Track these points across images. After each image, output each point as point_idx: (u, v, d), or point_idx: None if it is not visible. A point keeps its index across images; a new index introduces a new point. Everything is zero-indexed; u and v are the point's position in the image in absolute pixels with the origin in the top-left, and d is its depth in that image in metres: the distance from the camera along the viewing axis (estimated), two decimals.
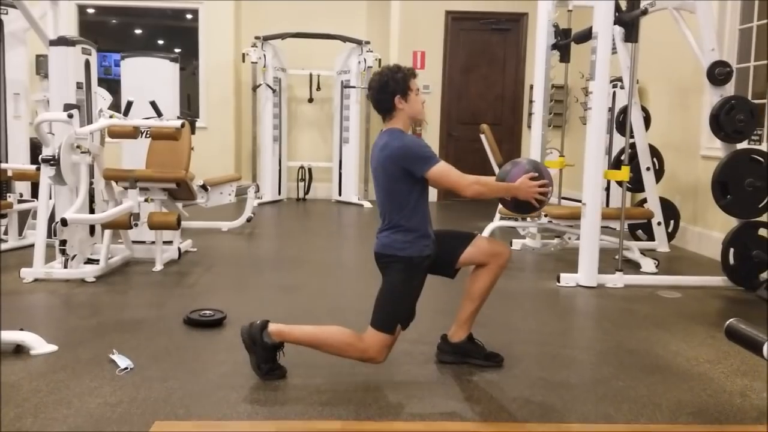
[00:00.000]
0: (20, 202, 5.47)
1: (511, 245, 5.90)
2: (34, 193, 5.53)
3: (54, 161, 4.25)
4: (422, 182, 2.78)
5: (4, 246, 5.31)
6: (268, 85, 8.62)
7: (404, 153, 2.74)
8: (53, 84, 4.64)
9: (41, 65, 7.63)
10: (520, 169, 2.86)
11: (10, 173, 5.28)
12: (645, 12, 4.60)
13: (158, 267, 4.77)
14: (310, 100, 9.21)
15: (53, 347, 3.08)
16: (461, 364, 2.99)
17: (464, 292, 3.00)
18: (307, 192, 9.11)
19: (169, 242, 5.12)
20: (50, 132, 4.61)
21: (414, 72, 2.87)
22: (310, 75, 9.09)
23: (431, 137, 9.26)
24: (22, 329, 3.10)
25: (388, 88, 2.79)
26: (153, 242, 4.93)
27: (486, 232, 5.34)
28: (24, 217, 5.57)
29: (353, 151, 8.79)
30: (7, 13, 5.60)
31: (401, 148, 2.74)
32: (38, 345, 3.05)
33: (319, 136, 9.41)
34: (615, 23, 4.63)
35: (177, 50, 9.53)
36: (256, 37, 8.57)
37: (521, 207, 2.92)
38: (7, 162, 5.56)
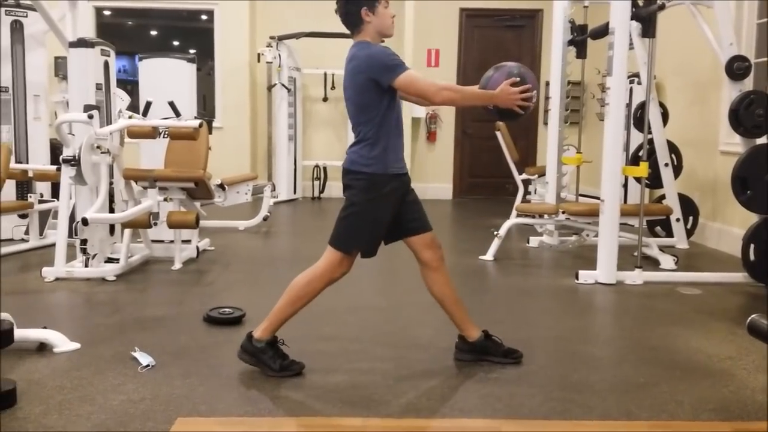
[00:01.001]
0: (41, 202, 5.53)
1: (528, 243, 5.89)
2: (55, 194, 5.60)
3: (75, 161, 4.30)
4: (391, 93, 2.70)
5: (26, 245, 5.37)
6: (283, 85, 8.65)
7: (370, 62, 2.66)
8: (73, 85, 4.69)
9: (60, 67, 7.70)
10: (502, 74, 2.72)
11: (30, 174, 5.34)
12: (662, 7, 4.57)
13: (177, 265, 4.81)
14: (325, 99, 9.23)
15: (76, 345, 3.11)
16: (480, 361, 2.98)
17: (436, 301, 2.99)
18: (322, 191, 9.14)
19: (188, 241, 5.16)
20: (71, 133, 4.66)
21: None
22: (325, 74, 9.11)
23: (446, 135, 9.27)
24: (45, 327, 3.14)
25: (354, 1, 2.71)
26: (172, 241, 4.97)
27: (503, 230, 5.34)
28: (45, 217, 5.63)
29: None
30: (26, 16, 5.67)
31: (368, 57, 2.67)
32: (61, 343, 3.08)
33: (334, 134, 9.42)
34: (632, 19, 4.60)
35: (192, 51, 9.59)
36: (271, 37, 8.60)
37: (504, 114, 2.78)
38: (27, 163, 5.63)
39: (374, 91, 2.68)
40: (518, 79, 2.68)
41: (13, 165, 5.19)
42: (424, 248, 2.89)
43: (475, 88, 2.76)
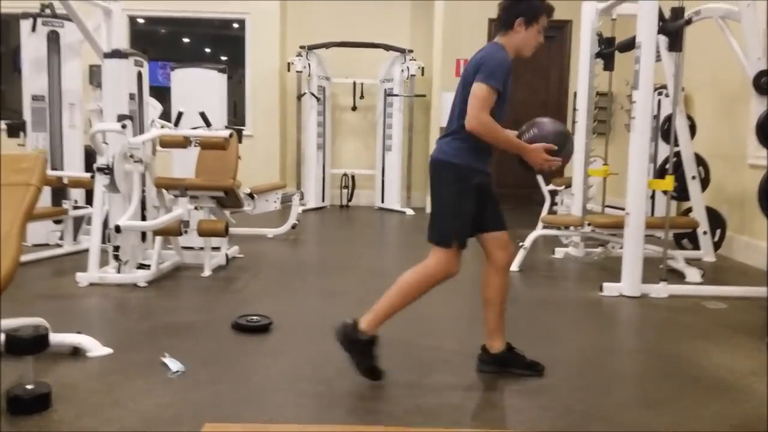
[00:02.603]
0: (75, 208, 5.68)
1: (554, 254, 5.89)
2: (89, 200, 5.75)
3: (108, 170, 4.42)
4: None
5: (60, 251, 5.52)
6: (312, 94, 8.76)
7: (485, 60, 2.73)
8: (107, 95, 4.81)
9: (95, 75, 7.86)
10: (544, 133, 2.82)
11: (65, 181, 5.49)
12: (689, 22, 4.57)
13: (207, 272, 4.91)
14: (354, 108, 9.31)
15: (108, 350, 3.20)
16: (502, 373, 3.01)
17: (482, 302, 3.02)
18: (350, 199, 9.21)
19: (217, 248, 5.25)
20: (104, 142, 4.77)
21: (551, 11, 2.83)
22: (354, 83, 9.20)
23: None
24: (79, 332, 3.24)
25: (518, 7, 2.79)
26: (202, 248, 5.07)
27: (528, 241, 5.35)
28: (78, 223, 5.78)
29: (396, 159, 8.86)
30: (62, 26, 5.83)
31: (487, 56, 2.75)
32: (94, 347, 3.18)
33: (362, 143, 9.51)
34: (659, 33, 4.61)
35: (224, 59, 9.74)
36: (301, 47, 8.72)
37: (524, 165, 2.89)
38: (62, 170, 5.79)
39: None
40: (555, 147, 2.79)
41: (48, 172, 5.33)
42: (497, 248, 2.94)
43: (510, 135, 2.83)
